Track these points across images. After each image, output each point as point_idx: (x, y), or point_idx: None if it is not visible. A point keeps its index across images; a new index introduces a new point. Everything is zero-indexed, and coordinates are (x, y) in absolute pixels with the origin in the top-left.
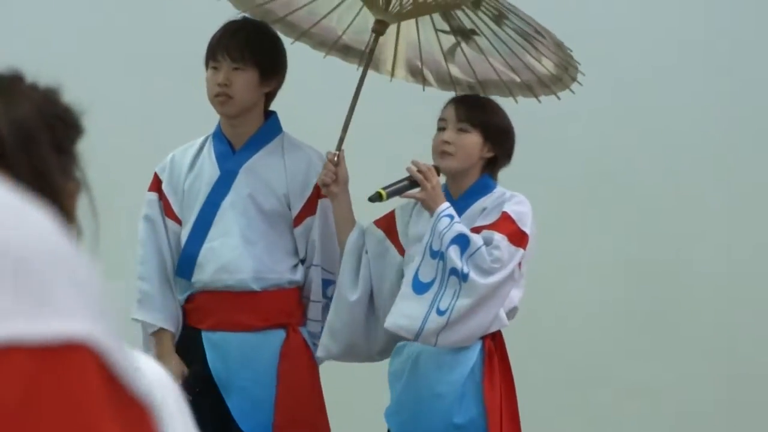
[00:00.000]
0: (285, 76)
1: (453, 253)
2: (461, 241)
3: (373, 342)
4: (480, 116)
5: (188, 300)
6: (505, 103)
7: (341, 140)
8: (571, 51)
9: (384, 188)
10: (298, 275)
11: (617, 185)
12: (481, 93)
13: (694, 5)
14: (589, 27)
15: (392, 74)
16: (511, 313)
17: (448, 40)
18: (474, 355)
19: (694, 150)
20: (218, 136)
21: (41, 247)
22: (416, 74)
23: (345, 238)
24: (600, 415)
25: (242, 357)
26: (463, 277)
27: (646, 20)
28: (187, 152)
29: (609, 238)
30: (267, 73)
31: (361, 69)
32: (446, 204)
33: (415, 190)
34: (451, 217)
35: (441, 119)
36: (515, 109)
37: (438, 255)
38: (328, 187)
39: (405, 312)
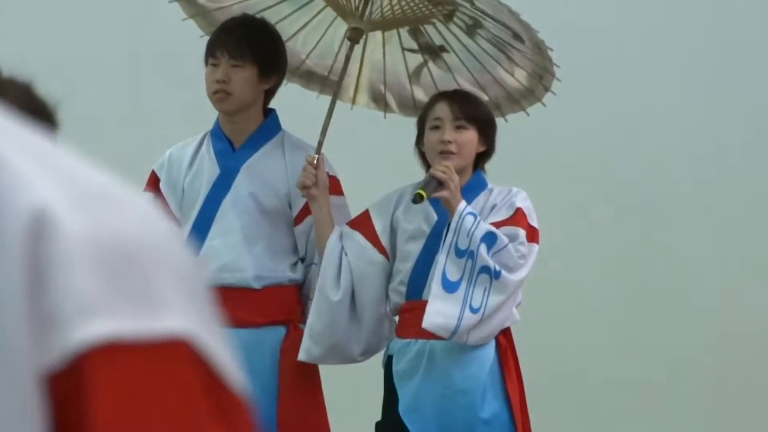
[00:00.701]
0: (284, 73)
1: (483, 250)
2: (489, 238)
3: (355, 343)
4: (474, 112)
5: None
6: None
7: (320, 144)
8: (552, 50)
9: (422, 188)
10: (298, 273)
11: (606, 179)
12: None
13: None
14: (576, 23)
15: (353, 101)
16: (517, 307)
17: (415, 59)
18: (491, 351)
19: (684, 143)
20: (217, 133)
21: (145, 237)
22: (378, 100)
23: (325, 239)
24: (588, 409)
25: (243, 354)
26: (496, 275)
27: (634, 16)
28: (186, 149)
29: (597, 232)
30: (266, 70)
31: (320, 96)
32: (465, 202)
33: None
34: (475, 215)
35: (435, 118)
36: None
37: (466, 254)
38: (307, 190)
39: (441, 311)
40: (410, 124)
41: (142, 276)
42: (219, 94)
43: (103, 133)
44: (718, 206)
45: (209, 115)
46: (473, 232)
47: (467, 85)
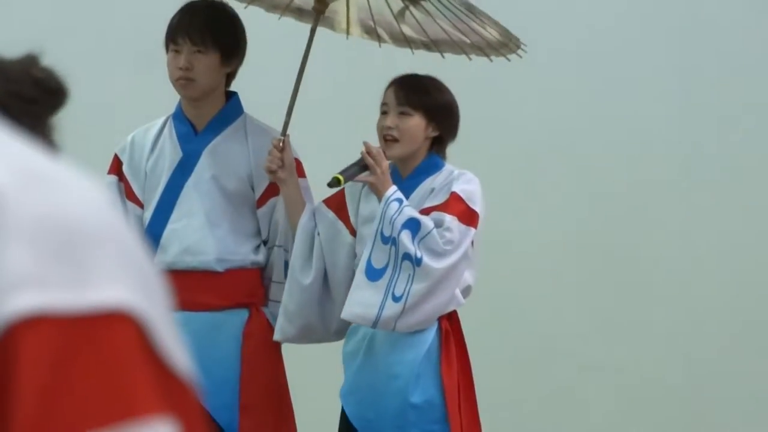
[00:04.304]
0: (245, 55)
1: (405, 237)
2: (412, 225)
3: (329, 322)
4: (420, 98)
5: None
6: (456, 81)
7: (286, 125)
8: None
9: (340, 173)
10: (261, 256)
11: (573, 163)
12: (435, 51)
13: None
14: (537, 4)
15: (348, 32)
16: (465, 292)
17: (396, 3)
18: (430, 335)
19: (652, 128)
20: (179, 116)
21: (88, 217)
22: (371, 32)
23: (296, 220)
24: (558, 393)
25: (205, 337)
26: (417, 262)
27: None
28: (148, 133)
29: (568, 215)
30: (228, 55)
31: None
32: (394, 188)
33: (365, 174)
34: (400, 201)
35: (383, 103)
36: (466, 84)
37: (390, 240)
38: (274, 173)
39: (361, 300)
40: (374, 111)
41: (80, 252)
42: (182, 81)
43: (71, 116)
44: (690, 191)
45: (174, 95)
46: (395, 218)
47: (449, 29)
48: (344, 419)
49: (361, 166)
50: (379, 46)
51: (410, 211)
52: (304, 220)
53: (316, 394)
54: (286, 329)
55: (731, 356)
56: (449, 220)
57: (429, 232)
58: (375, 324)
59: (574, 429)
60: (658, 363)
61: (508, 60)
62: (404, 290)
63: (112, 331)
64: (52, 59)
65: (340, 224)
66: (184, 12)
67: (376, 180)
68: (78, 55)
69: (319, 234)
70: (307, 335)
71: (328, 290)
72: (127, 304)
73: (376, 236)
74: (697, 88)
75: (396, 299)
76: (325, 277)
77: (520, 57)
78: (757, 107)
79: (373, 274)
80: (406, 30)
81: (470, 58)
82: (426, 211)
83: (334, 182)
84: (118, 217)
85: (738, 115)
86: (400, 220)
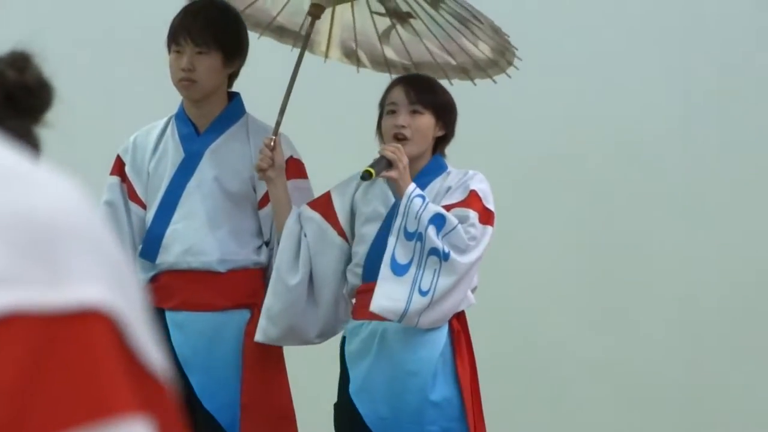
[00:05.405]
0: (247, 55)
1: (431, 233)
2: (438, 220)
3: (312, 325)
4: (430, 97)
5: (152, 280)
6: (457, 84)
7: (277, 125)
8: (508, 36)
9: (371, 166)
10: (263, 256)
11: (574, 163)
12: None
13: None
14: (538, 7)
15: (326, 55)
16: (473, 291)
17: (383, 22)
18: (443, 334)
19: (652, 129)
20: (181, 117)
21: (62, 215)
22: (351, 55)
23: (283, 221)
24: (556, 393)
25: (207, 337)
26: (445, 257)
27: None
28: (150, 134)
29: (568, 216)
30: (230, 55)
31: (296, 50)
32: (414, 184)
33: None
34: (423, 197)
35: (390, 103)
36: (468, 88)
37: (415, 236)
38: (264, 172)
39: (388, 294)
40: (374, 111)
41: (55, 251)
42: (184, 82)
43: (72, 116)
44: (685, 188)
45: (176, 96)
46: (421, 214)
47: (435, 50)
48: (340, 418)
49: (386, 161)
50: (357, 71)
51: (435, 207)
52: (290, 222)
53: (316, 394)
54: (269, 330)
55: (731, 356)
56: (473, 216)
57: (454, 228)
58: (402, 318)
59: (573, 429)
60: (658, 363)
61: (495, 82)
62: (431, 284)
63: (88, 329)
64: (52, 59)
65: (327, 225)
66: (185, 13)
67: (398, 175)
68: (79, 55)
69: (305, 236)
70: (289, 337)
71: (312, 293)
72: (103, 303)
73: (399, 232)
74: (697, 89)
75: (423, 293)
76: (310, 280)
77: (509, 77)
78: (758, 107)
79: (398, 269)
80: (389, 52)
81: (452, 83)
82: (444, 209)
83: (366, 175)
84: (93, 215)
85: (739, 116)
86: (426, 216)
